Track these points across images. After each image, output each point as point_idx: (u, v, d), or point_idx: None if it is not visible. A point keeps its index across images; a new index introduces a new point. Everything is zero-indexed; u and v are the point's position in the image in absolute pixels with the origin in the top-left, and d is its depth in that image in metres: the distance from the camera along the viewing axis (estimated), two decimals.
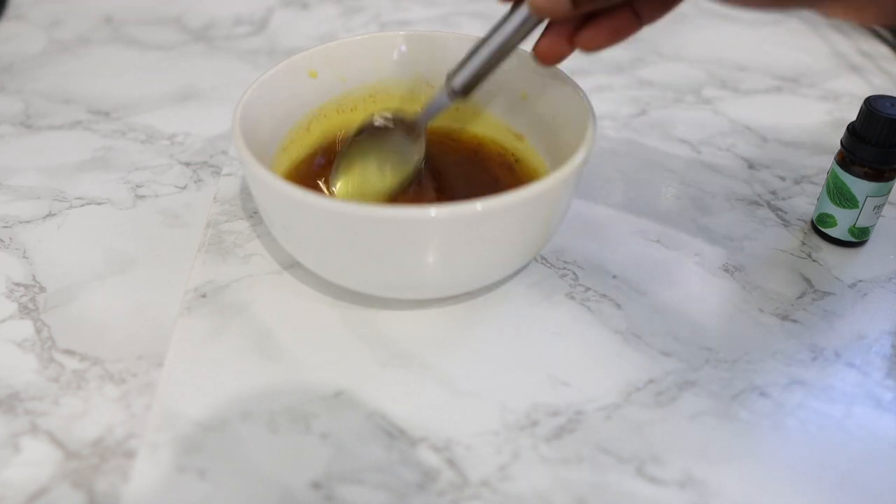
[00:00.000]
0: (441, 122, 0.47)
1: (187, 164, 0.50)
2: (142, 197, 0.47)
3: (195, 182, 0.48)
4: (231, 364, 0.37)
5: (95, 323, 0.39)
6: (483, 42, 0.37)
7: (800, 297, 0.41)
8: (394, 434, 0.34)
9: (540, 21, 0.35)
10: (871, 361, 0.38)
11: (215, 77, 0.60)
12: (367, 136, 0.42)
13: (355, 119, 0.47)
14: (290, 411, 0.34)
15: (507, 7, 0.36)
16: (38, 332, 0.38)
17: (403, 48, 0.45)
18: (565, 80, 0.40)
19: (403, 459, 0.33)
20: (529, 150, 0.44)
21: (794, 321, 0.40)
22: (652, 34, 0.64)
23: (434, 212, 0.32)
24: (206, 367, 0.36)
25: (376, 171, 0.42)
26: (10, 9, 0.69)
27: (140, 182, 0.48)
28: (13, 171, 0.49)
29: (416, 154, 0.41)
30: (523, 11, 0.35)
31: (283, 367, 0.36)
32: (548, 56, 0.36)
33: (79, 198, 0.47)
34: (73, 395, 0.35)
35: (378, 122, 0.42)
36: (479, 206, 0.32)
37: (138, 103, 0.56)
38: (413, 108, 0.47)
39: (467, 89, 0.38)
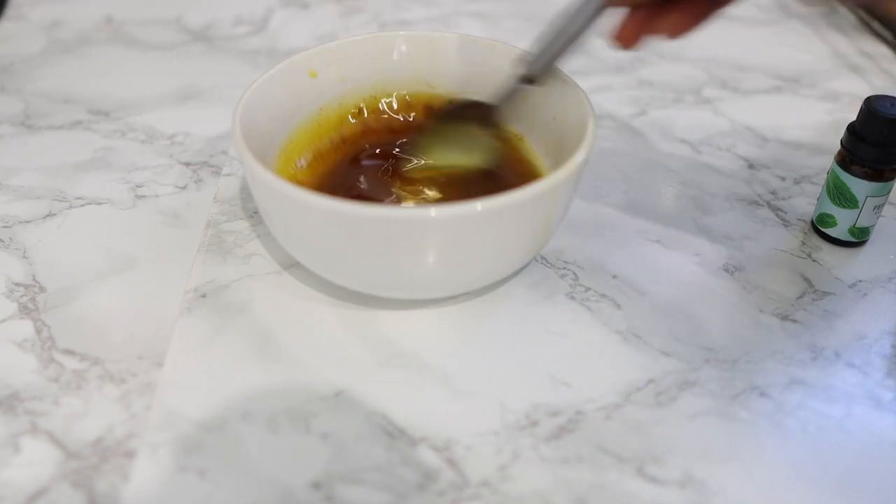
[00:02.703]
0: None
1: (187, 164, 0.50)
2: (142, 197, 0.47)
3: (195, 182, 0.48)
4: (231, 364, 0.37)
5: (95, 323, 0.39)
6: (559, 31, 0.37)
7: (800, 297, 0.41)
8: (394, 434, 0.34)
9: (607, 7, 0.35)
10: (871, 361, 0.38)
11: (215, 77, 0.60)
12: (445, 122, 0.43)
13: (356, 119, 0.47)
14: (290, 411, 0.34)
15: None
16: (38, 332, 0.38)
17: (403, 48, 0.45)
18: (565, 80, 0.40)
19: (403, 459, 0.33)
20: (529, 150, 0.44)
21: (794, 321, 0.40)
22: None
23: (434, 212, 0.32)
24: (206, 367, 0.36)
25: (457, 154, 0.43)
26: (10, 9, 0.69)
27: (140, 182, 0.48)
28: (13, 171, 0.49)
29: (493, 140, 0.42)
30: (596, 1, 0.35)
31: (283, 367, 0.36)
32: (627, 40, 0.35)
33: (79, 198, 0.47)
34: (73, 395, 0.35)
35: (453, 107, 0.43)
36: (479, 206, 0.32)
37: (138, 103, 0.56)
38: (415, 111, 0.48)
39: (542, 75, 0.39)
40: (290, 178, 0.43)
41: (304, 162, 0.44)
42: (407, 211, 0.32)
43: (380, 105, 0.47)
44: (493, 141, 0.42)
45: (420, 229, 0.33)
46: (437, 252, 0.34)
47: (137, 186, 0.48)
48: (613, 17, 0.36)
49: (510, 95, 0.41)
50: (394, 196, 0.42)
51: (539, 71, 0.39)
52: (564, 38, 0.38)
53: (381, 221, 0.33)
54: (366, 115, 0.47)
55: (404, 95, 0.47)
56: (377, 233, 0.33)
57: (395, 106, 0.47)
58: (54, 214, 0.46)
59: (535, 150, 0.44)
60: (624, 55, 0.63)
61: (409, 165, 0.44)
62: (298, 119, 0.44)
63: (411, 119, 0.47)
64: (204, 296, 0.40)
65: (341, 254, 0.35)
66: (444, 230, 0.33)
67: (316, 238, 0.36)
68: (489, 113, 0.41)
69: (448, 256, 0.35)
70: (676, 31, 0.34)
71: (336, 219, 0.33)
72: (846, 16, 0.71)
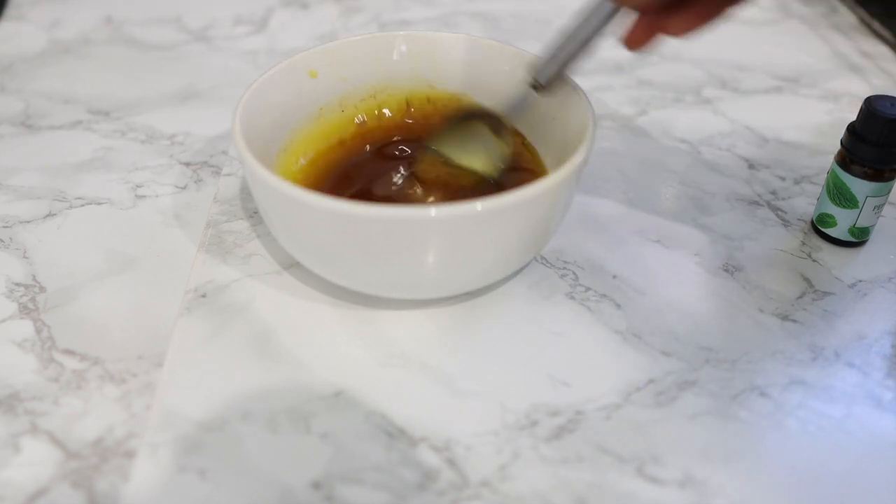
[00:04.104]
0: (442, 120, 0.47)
1: (187, 164, 0.50)
2: (142, 197, 0.47)
3: (195, 182, 0.48)
4: (231, 364, 0.37)
5: (95, 323, 0.39)
6: (569, 36, 0.37)
7: (800, 297, 0.41)
8: (394, 434, 0.34)
9: (619, 11, 0.36)
10: (871, 361, 0.38)
11: (215, 77, 0.60)
12: (458, 126, 0.43)
13: (357, 120, 0.47)
14: (290, 411, 0.34)
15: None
16: (38, 332, 0.38)
17: (403, 48, 0.45)
18: (566, 79, 0.40)
19: (403, 459, 0.33)
20: (529, 149, 0.44)
21: (794, 321, 0.40)
22: None
23: (434, 212, 0.32)
24: (206, 367, 0.36)
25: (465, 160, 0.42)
26: (10, 9, 0.69)
27: (140, 182, 0.48)
28: (13, 171, 0.49)
29: (505, 147, 0.42)
30: (607, 5, 0.36)
31: (283, 367, 0.36)
32: (636, 42, 0.36)
33: (79, 198, 0.47)
34: (73, 395, 0.35)
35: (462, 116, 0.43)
36: (479, 206, 0.32)
37: (138, 103, 0.56)
38: (416, 109, 0.47)
39: (552, 82, 0.39)
40: (290, 178, 0.43)
41: (304, 162, 0.44)
42: (407, 211, 0.32)
43: (379, 105, 0.47)
44: (503, 149, 0.41)
45: (420, 229, 0.33)
46: (437, 252, 0.34)
47: (137, 186, 0.48)
48: (624, 20, 0.36)
49: (520, 104, 0.41)
50: (394, 196, 0.42)
51: (549, 78, 0.39)
52: (574, 45, 0.37)
53: (380, 221, 0.33)
54: (366, 116, 0.47)
55: (405, 97, 0.47)
56: (377, 233, 0.33)
57: (396, 107, 0.47)
58: (54, 214, 0.46)
59: (535, 150, 0.44)
60: (624, 54, 0.63)
61: (411, 165, 0.44)
62: (298, 119, 0.44)
63: (411, 121, 0.47)
64: (204, 296, 0.40)
65: (341, 254, 0.35)
66: (444, 230, 0.33)
67: (316, 238, 0.36)
68: (499, 121, 0.41)
69: (448, 256, 0.35)
70: (684, 31, 0.35)
71: (336, 219, 0.33)
72: (846, 15, 0.71)
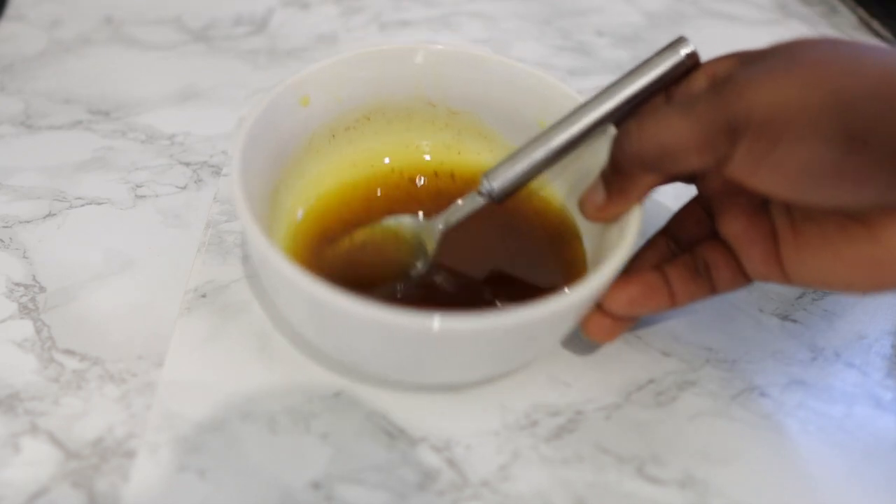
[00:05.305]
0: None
1: (187, 164, 0.50)
2: (142, 197, 0.47)
3: (195, 182, 0.48)
4: (231, 364, 0.37)
5: (95, 323, 0.39)
6: (528, 147, 0.34)
7: (800, 297, 0.41)
8: (394, 434, 0.34)
9: (582, 137, 0.33)
10: (871, 361, 0.38)
11: (215, 77, 0.60)
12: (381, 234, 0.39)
13: (356, 137, 0.43)
14: (290, 411, 0.34)
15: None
16: (38, 332, 0.38)
17: (403, 64, 0.42)
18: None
19: (403, 459, 0.33)
20: (550, 191, 0.41)
21: (794, 321, 0.40)
22: (652, 33, 0.64)
23: (437, 322, 0.28)
24: (206, 367, 0.36)
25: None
26: (10, 9, 0.69)
27: (140, 182, 0.48)
28: (13, 171, 0.49)
29: (420, 260, 0.37)
30: (571, 130, 0.33)
31: (283, 367, 0.36)
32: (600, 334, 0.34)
33: (79, 198, 0.47)
34: (73, 395, 0.35)
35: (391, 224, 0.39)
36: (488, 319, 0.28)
37: (138, 103, 0.56)
38: (412, 128, 0.44)
39: (505, 195, 0.35)
40: (288, 227, 0.40)
41: (301, 214, 0.41)
42: (408, 318, 0.29)
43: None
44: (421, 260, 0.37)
45: (422, 339, 0.30)
46: (448, 357, 0.32)
47: (137, 186, 0.48)
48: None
49: (465, 215, 0.36)
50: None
51: (503, 190, 0.34)
52: (543, 153, 0.34)
53: (383, 325, 0.29)
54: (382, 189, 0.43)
55: (405, 114, 0.44)
56: (380, 334, 0.30)
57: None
58: (54, 214, 0.46)
59: (551, 183, 0.41)
60: (624, 54, 0.63)
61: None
62: (295, 152, 0.40)
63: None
64: (204, 296, 0.40)
65: (351, 345, 0.33)
66: (448, 343, 0.30)
67: (320, 325, 0.33)
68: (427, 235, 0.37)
69: (453, 361, 0.32)
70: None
71: (338, 315, 0.30)
72: (846, 16, 0.71)
